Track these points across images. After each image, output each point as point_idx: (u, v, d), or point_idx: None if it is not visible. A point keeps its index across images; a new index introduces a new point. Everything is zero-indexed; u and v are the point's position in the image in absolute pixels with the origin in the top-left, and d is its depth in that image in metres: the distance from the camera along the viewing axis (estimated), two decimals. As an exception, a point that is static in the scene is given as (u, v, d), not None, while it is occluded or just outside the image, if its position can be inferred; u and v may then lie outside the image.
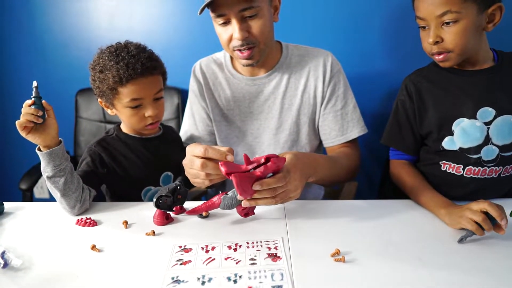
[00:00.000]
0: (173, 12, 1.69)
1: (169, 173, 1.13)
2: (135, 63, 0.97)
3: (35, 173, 1.49)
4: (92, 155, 1.04)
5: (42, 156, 0.89)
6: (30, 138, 0.87)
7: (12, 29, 1.79)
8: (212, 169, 0.79)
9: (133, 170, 1.08)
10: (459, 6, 0.89)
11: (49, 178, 0.90)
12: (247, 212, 0.88)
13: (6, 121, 1.95)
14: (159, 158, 1.11)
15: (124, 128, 1.11)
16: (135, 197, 1.09)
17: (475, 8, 0.90)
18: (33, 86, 0.87)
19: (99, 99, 1.05)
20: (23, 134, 0.86)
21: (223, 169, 0.75)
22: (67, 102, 1.77)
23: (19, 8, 1.75)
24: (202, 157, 0.79)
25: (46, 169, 0.90)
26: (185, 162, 0.85)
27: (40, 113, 0.86)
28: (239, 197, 0.80)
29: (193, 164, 0.81)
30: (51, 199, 2.09)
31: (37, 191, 2.06)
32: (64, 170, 0.91)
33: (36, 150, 0.90)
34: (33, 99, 0.86)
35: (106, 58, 0.99)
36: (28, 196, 1.45)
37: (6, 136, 1.98)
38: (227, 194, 0.85)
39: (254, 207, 0.89)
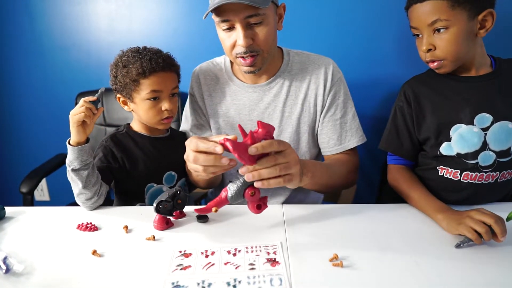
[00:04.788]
0: (173, 16, 1.70)
1: (173, 172, 1.17)
2: (158, 58, 1.06)
3: (35, 176, 1.50)
4: (104, 150, 1.10)
5: (73, 150, 0.97)
6: (76, 130, 0.96)
7: (12, 32, 1.79)
8: (204, 161, 0.78)
9: (140, 166, 1.12)
10: (448, 14, 0.91)
11: (74, 170, 0.97)
12: (259, 204, 0.84)
13: (6, 125, 1.96)
14: (164, 157, 1.15)
15: (135, 126, 1.17)
16: (139, 193, 1.13)
17: (465, 14, 0.91)
18: (100, 91, 1.03)
19: (118, 95, 1.12)
20: (76, 124, 0.96)
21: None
22: (67, 104, 1.76)
23: (19, 11, 1.76)
24: (196, 151, 0.80)
25: (73, 163, 0.97)
26: (185, 157, 0.85)
27: (95, 111, 0.99)
28: (241, 170, 0.78)
29: (189, 158, 0.81)
30: (52, 201, 2.11)
31: (37, 194, 2.06)
32: (89, 164, 0.99)
33: (68, 144, 0.98)
34: (96, 96, 1.00)
35: (130, 55, 1.07)
36: (28, 199, 1.45)
37: (6, 139, 1.99)
38: (230, 181, 0.83)
39: (266, 199, 0.86)
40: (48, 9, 1.75)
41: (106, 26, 1.75)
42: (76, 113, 0.95)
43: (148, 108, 1.08)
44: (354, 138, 1.15)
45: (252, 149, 0.75)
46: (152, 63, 1.04)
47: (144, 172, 1.12)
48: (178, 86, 1.13)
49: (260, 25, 1.00)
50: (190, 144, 0.81)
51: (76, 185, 0.99)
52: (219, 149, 0.76)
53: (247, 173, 0.77)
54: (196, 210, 0.88)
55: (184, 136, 1.25)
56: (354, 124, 1.16)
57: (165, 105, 1.08)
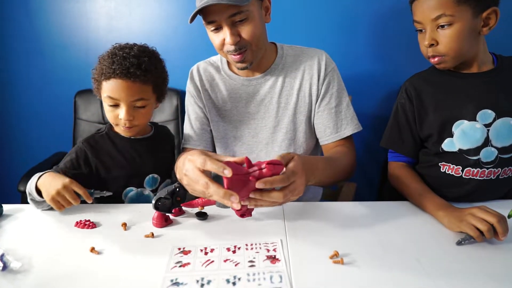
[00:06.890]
0: (172, 14, 1.70)
1: (156, 175, 1.11)
2: (120, 64, 0.97)
3: (33, 175, 1.49)
4: (78, 152, 1.06)
5: (37, 195, 0.94)
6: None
7: (11, 30, 1.78)
8: (215, 192, 0.74)
9: (117, 169, 1.07)
10: (453, 9, 0.91)
11: (35, 202, 0.97)
12: (243, 213, 0.85)
13: (5, 123, 1.95)
14: (146, 159, 1.10)
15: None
16: (116, 196, 1.07)
17: (470, 11, 0.91)
18: (99, 195, 0.98)
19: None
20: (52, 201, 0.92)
21: None
22: (66, 103, 1.77)
23: (18, 9, 1.75)
24: (201, 170, 0.76)
25: (33, 195, 0.95)
26: (189, 175, 0.79)
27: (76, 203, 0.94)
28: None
29: (198, 182, 0.77)
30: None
31: (36, 193, 2.05)
32: None
33: (35, 182, 0.95)
34: (93, 198, 0.96)
35: (108, 51, 1.03)
36: (26, 198, 1.44)
37: (5, 138, 1.98)
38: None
39: (252, 209, 0.86)
40: (47, 7, 1.74)
41: (105, 24, 1.74)
42: (61, 195, 0.92)
43: (107, 111, 1.04)
44: (349, 126, 1.16)
45: (260, 184, 0.72)
46: (111, 67, 0.97)
47: (121, 176, 1.07)
48: (147, 99, 1.03)
49: (245, 22, 1.03)
50: (197, 161, 0.77)
51: (32, 203, 0.99)
52: (227, 172, 0.72)
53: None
54: (183, 204, 0.91)
55: (167, 132, 1.23)
56: (349, 113, 1.17)
57: (121, 115, 1.00)
